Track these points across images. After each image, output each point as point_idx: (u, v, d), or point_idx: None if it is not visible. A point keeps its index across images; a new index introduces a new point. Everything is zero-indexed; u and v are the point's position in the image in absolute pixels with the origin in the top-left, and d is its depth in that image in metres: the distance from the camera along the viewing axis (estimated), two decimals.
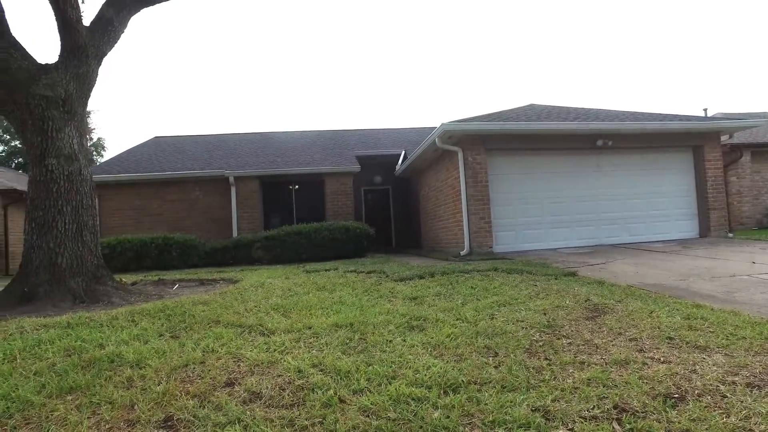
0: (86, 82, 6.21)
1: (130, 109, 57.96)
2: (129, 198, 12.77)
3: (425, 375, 2.72)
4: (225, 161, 13.87)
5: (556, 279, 5.79)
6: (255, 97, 63.18)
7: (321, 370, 2.91)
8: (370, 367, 2.89)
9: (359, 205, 15.66)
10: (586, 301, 4.42)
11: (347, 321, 4.01)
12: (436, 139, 9.27)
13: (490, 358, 3.00)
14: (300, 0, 61.37)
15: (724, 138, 10.52)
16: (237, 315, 4.54)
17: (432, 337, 3.46)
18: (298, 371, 2.91)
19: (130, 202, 12.77)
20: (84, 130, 6.38)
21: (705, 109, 18.15)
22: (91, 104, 50.50)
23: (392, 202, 15.79)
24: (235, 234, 12.42)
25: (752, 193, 12.93)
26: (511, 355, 3.01)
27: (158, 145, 16.24)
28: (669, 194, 10.34)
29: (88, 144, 31.19)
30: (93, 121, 34.11)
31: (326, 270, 7.89)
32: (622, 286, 5.17)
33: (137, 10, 6.90)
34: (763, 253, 7.42)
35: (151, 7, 7.14)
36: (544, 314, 4.03)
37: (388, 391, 2.53)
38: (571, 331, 3.53)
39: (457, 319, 3.98)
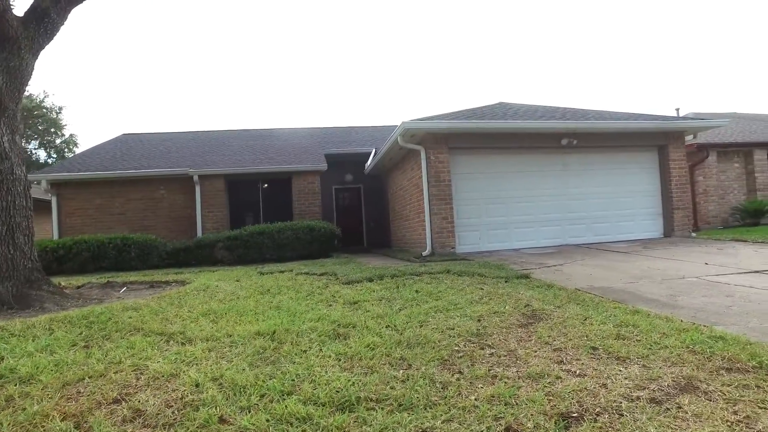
0: (18, 76, 5.91)
1: (106, 105, 56.77)
2: (90, 197, 12.37)
3: (323, 390, 2.56)
4: (192, 159, 13.53)
5: (506, 282, 5.67)
6: (229, 94, 62.38)
7: (219, 384, 2.74)
8: (270, 381, 2.73)
9: (330, 204, 15.44)
10: (525, 306, 4.30)
11: (272, 329, 3.84)
12: (398, 138, 9.10)
13: (401, 371, 2.85)
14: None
15: (688, 138, 10.54)
16: (164, 322, 4.34)
17: (351, 347, 3.30)
18: (196, 385, 2.74)
19: (92, 201, 12.37)
20: (16, 127, 6.07)
21: (677, 109, 18.27)
22: (62, 100, 49.14)
23: (364, 200, 15.60)
24: (199, 234, 12.13)
25: (718, 192, 13.02)
26: (423, 368, 2.86)
27: (125, 143, 15.80)
28: (634, 194, 10.32)
29: (58, 141, 30.58)
30: (64, 117, 33.40)
31: (281, 272, 7.69)
32: (570, 290, 5.06)
33: (79, 1, 6.59)
34: (718, 253, 7.40)
35: None
36: (478, 321, 3.90)
37: (276, 409, 2.37)
38: (499, 340, 3.40)
39: (386, 327, 3.82)
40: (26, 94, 29.21)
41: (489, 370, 2.80)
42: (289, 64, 64.12)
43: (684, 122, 10.01)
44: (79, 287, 7.26)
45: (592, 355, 2.95)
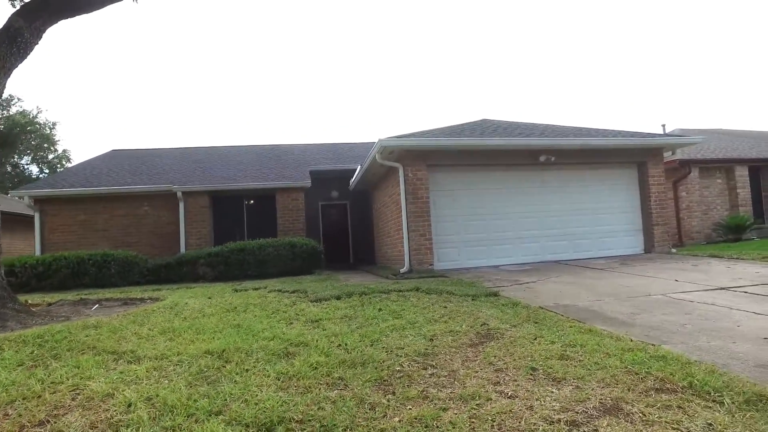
0: None
1: (102, 120, 57.02)
2: (74, 213, 12.36)
3: (251, 411, 2.56)
4: (178, 176, 13.57)
5: (473, 300, 5.65)
6: (221, 110, 62.62)
7: (150, 405, 2.73)
8: (202, 401, 2.73)
9: (316, 221, 15.45)
10: (482, 325, 4.29)
11: (223, 347, 3.83)
12: (377, 155, 9.16)
13: (336, 392, 2.84)
14: (259, 16, 61.52)
15: (667, 154, 10.63)
16: (120, 340, 4.32)
17: (295, 367, 3.29)
18: (128, 405, 2.74)
19: (75, 217, 12.36)
20: None
21: (663, 125, 18.50)
22: (55, 116, 49.46)
23: (350, 217, 15.61)
24: (183, 250, 12.10)
25: (701, 208, 13.08)
26: (358, 389, 2.85)
27: (113, 159, 15.86)
28: (614, 210, 10.36)
29: (51, 156, 30.66)
30: (57, 133, 33.56)
31: (255, 289, 7.67)
32: (533, 308, 5.05)
33: (54, 21, 6.69)
34: (692, 270, 7.41)
35: (70, 18, 6.92)
36: (431, 340, 3.89)
37: (197, 429, 2.38)
38: (445, 360, 3.38)
39: (337, 346, 3.81)
40: (19, 109, 29.56)
41: (422, 391, 2.79)
42: (277, 81, 64.70)
43: (662, 139, 10.09)
44: (50, 304, 7.21)
45: (530, 376, 2.94)
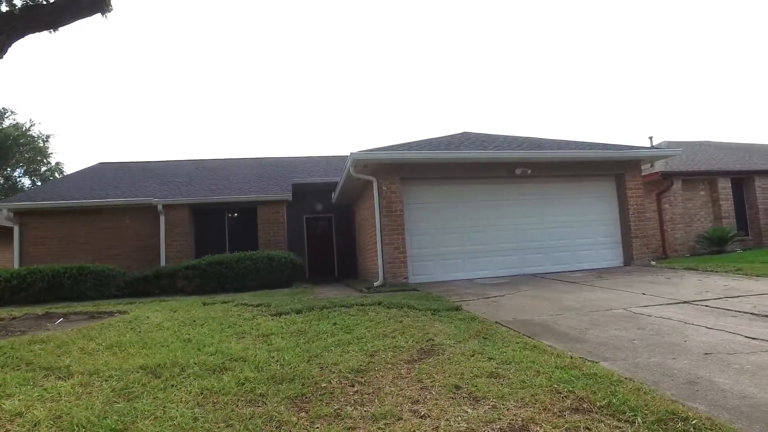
0: None
1: (96, 133, 57.21)
2: (54, 226, 12.31)
3: (157, 429, 2.51)
4: (160, 188, 13.56)
5: (432, 314, 5.58)
6: (215, 125, 62.78)
7: (58, 423, 2.69)
8: (111, 419, 2.69)
9: (301, 234, 15.40)
10: (428, 341, 4.22)
11: (160, 362, 3.79)
12: (351, 169, 9.14)
13: (250, 409, 2.78)
14: (245, 30, 62.16)
15: (646, 167, 10.62)
16: (63, 355, 4.28)
17: (222, 382, 3.25)
18: (34, 424, 2.69)
19: (56, 230, 12.31)
20: None
21: (650, 137, 18.44)
22: (50, 128, 49.62)
23: (335, 230, 15.56)
24: (163, 263, 12.03)
25: (684, 220, 13.03)
26: (274, 406, 2.81)
27: (98, 172, 15.86)
28: (593, 223, 10.31)
29: (44, 169, 30.74)
30: (51, 145, 33.72)
31: (224, 302, 7.60)
32: (490, 323, 4.98)
33: (18, 36, 6.72)
34: (664, 283, 7.34)
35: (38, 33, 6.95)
36: (371, 356, 3.83)
37: None
38: (376, 377, 3.32)
39: (275, 361, 3.77)
40: (12, 122, 29.72)
41: (337, 409, 2.73)
42: (268, 95, 65.09)
43: (638, 152, 10.06)
44: (14, 318, 7.14)
45: (452, 395, 2.87)
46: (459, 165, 9.44)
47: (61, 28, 7.25)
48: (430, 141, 10.39)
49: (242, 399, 2.95)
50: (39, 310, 8.45)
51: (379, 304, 6.25)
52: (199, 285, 10.59)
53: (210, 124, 61.90)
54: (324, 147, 62.10)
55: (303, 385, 3.16)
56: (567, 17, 56.62)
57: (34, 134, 30.01)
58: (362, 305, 6.23)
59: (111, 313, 7.51)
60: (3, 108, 29.55)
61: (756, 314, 4.83)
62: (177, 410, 2.78)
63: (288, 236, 14.69)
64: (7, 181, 30.06)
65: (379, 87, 68.46)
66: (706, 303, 5.56)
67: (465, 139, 10.68)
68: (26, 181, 29.53)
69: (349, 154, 8.75)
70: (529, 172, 9.65)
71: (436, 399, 2.82)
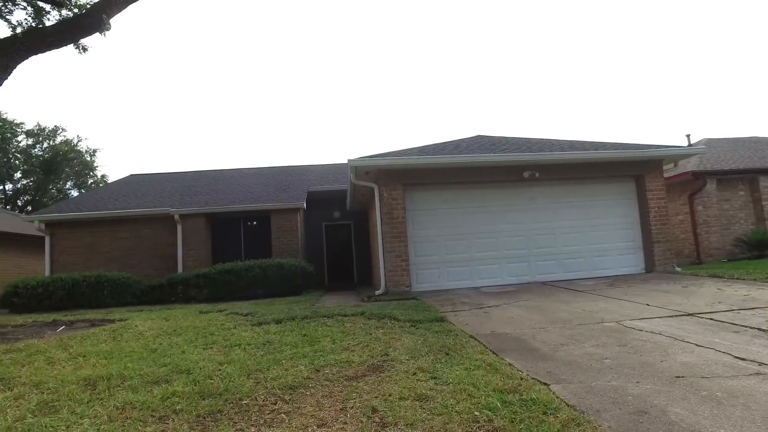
0: None
1: (139, 146, 59.83)
2: (81, 236, 12.90)
3: None
4: (182, 199, 13.95)
5: (411, 326, 5.36)
6: (232, 133, 64.07)
7: None
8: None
9: (320, 241, 15.43)
10: (383, 355, 4.03)
11: (104, 374, 3.83)
12: (352, 176, 9.02)
13: (153, 426, 2.69)
14: (256, 33, 63.19)
15: (669, 166, 9.89)
16: (26, 365, 4.38)
17: (150, 396, 3.25)
18: None
19: (82, 239, 12.90)
20: None
21: (687, 135, 17.38)
22: (96, 142, 52.40)
23: (354, 237, 15.48)
24: (180, 271, 12.34)
25: (721, 222, 12.04)
26: (177, 424, 2.70)
27: (127, 184, 16.54)
28: (610, 227, 9.69)
29: (90, 181, 32.51)
30: (97, 159, 35.66)
31: (220, 311, 7.68)
32: (463, 336, 4.74)
33: (23, 58, 7.04)
34: (678, 292, 6.75)
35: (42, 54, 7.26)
36: (317, 371, 3.69)
37: None
38: (306, 394, 3.17)
39: (218, 375, 3.67)
40: (63, 138, 31.67)
41: (240, 429, 2.61)
42: (290, 103, 65.93)
43: (658, 151, 9.36)
44: (19, 326, 7.44)
45: (363, 419, 2.67)
46: (465, 169, 9.12)
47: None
48: (435, 145, 10.12)
49: (155, 415, 2.86)
50: (54, 317, 8.81)
51: (362, 314, 6.09)
52: (211, 293, 10.76)
53: (236, 135, 63.51)
54: (343, 155, 62.40)
55: (226, 401, 3.05)
56: (599, 15, 54.53)
57: (81, 149, 31.90)
58: (345, 315, 6.09)
59: (111, 321, 7.69)
60: (55, 125, 31.60)
61: (763, 330, 4.31)
62: (83, 426, 2.73)
63: (306, 243, 14.76)
64: (59, 193, 32.02)
65: (400, 94, 68.10)
66: (713, 316, 5.04)
67: (474, 143, 10.34)
68: (75, 193, 31.38)
69: (347, 161, 8.63)
70: (537, 175, 9.19)
71: (345, 423, 2.63)
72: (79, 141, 32.04)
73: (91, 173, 32.38)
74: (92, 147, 35.06)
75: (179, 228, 12.61)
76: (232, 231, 13.51)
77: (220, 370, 3.82)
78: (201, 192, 14.61)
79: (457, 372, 3.39)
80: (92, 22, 7.45)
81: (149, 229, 13.01)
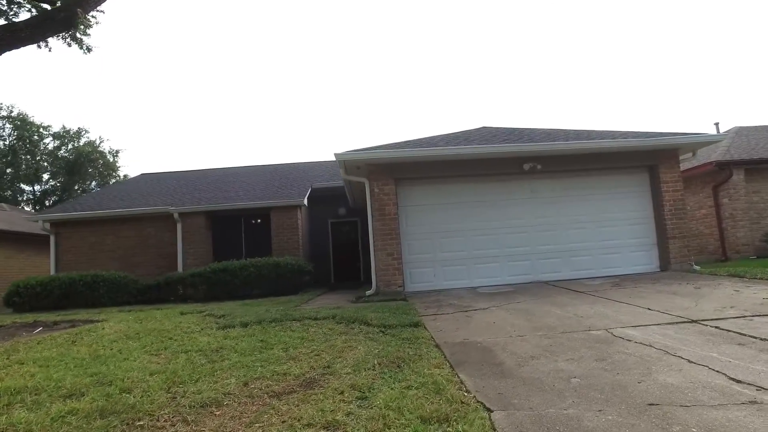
0: None
1: (160, 144, 60.70)
2: (85, 235, 12.94)
3: None
4: (181, 197, 13.86)
5: (381, 332, 4.94)
6: (243, 132, 64.12)
7: None
8: None
9: (325, 239, 15.12)
10: (324, 368, 3.63)
11: (19, 386, 3.61)
12: (342, 171, 8.61)
13: None
14: (258, 32, 62.87)
15: (686, 156, 9.06)
16: None
17: (41, 414, 2.97)
18: None
19: (86, 239, 12.93)
20: None
21: (716, 124, 16.29)
22: (119, 143, 53.50)
23: (360, 234, 15.08)
24: (180, 269, 12.22)
25: (749, 216, 11.07)
26: None
27: (137, 183, 16.61)
28: (621, 222, 8.96)
29: (112, 181, 33.16)
30: (120, 159, 36.39)
31: (199, 312, 7.47)
32: (428, 345, 4.31)
33: (8, 49, 6.91)
34: (688, 294, 6.06)
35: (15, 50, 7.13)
36: (245, 385, 3.32)
37: None
38: (216, 414, 2.83)
39: (139, 387, 3.36)
40: (87, 140, 32.44)
41: None
42: (296, 100, 65.59)
43: (673, 138, 8.56)
44: (1, 326, 7.35)
45: None
46: (460, 162, 8.57)
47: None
48: (434, 137, 9.60)
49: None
50: (42, 317, 8.73)
51: (334, 317, 5.70)
52: (207, 292, 10.56)
53: (246, 133, 63.70)
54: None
55: (122, 421, 2.73)
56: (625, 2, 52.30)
57: (104, 150, 32.60)
58: (315, 319, 5.71)
59: (92, 322, 7.54)
60: (79, 127, 32.37)
61: None
62: None
63: (311, 241, 14.47)
64: (84, 193, 32.79)
65: (405, 88, 67.01)
66: (719, 323, 4.41)
67: (479, 134, 9.76)
68: None
69: (333, 155, 8.21)
70: (539, 167, 8.56)
71: None
72: (101, 142, 32.81)
73: (114, 173, 33.07)
74: (115, 148, 35.86)
75: (179, 226, 12.48)
76: (233, 229, 13.32)
77: (144, 381, 3.50)
78: (203, 190, 14.49)
79: (391, 392, 2.95)
80: (67, 16, 7.27)
81: (152, 227, 12.95)
